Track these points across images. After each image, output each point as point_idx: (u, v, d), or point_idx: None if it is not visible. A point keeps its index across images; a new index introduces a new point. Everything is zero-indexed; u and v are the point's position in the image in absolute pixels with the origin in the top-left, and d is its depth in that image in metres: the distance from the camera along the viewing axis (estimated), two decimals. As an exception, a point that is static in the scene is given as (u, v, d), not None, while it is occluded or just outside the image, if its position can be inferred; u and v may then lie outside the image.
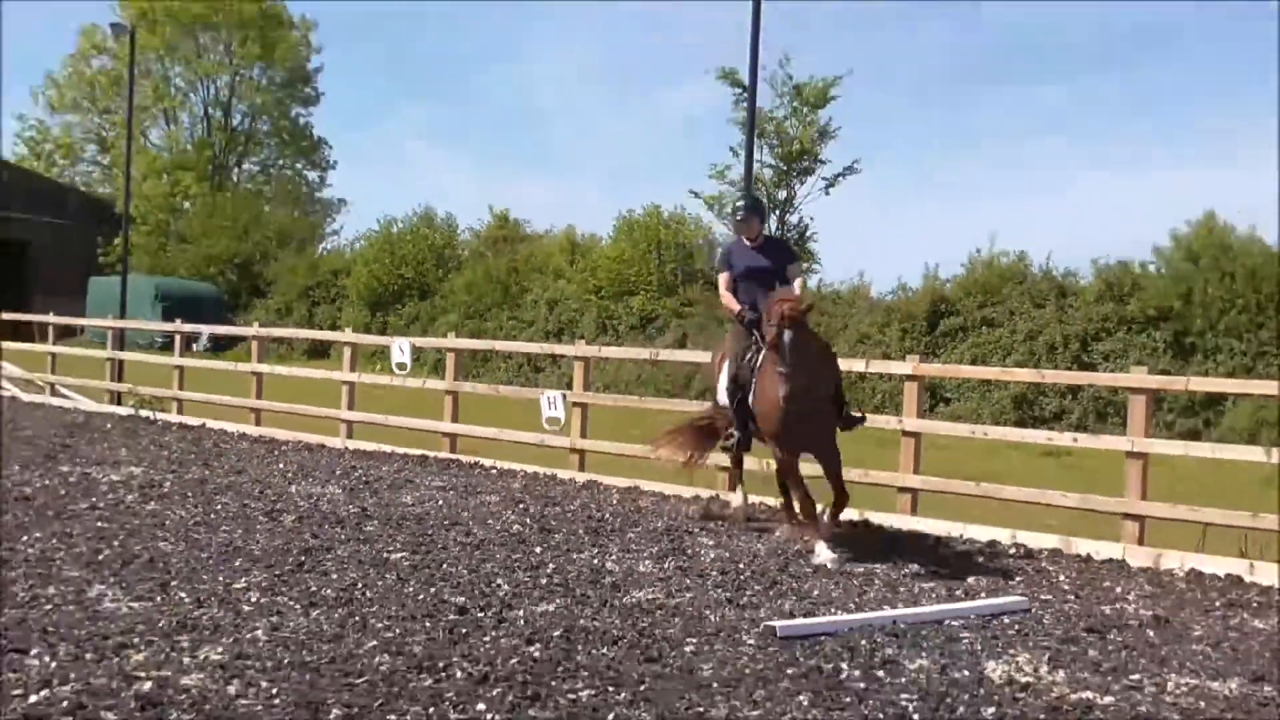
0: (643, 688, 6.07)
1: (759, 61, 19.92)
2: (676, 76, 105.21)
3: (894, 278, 45.31)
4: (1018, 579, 9.43)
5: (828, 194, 41.39)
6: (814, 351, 9.99)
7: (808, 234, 42.42)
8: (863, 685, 6.32)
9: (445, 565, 8.92)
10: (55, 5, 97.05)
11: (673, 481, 13.37)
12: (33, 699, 5.40)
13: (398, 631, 6.93)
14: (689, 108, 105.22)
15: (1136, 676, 6.68)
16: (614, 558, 9.58)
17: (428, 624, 7.16)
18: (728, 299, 11.18)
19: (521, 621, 7.35)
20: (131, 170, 36.36)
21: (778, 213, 41.52)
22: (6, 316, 28.20)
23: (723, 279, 11.24)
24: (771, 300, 10.06)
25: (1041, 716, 5.88)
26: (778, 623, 7.46)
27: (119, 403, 22.46)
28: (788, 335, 9.56)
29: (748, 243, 11.07)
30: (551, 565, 9.12)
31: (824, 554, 9.63)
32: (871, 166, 65.89)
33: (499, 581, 8.45)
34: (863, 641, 7.19)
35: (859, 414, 10.95)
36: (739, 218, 11.28)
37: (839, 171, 41.01)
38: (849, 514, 11.22)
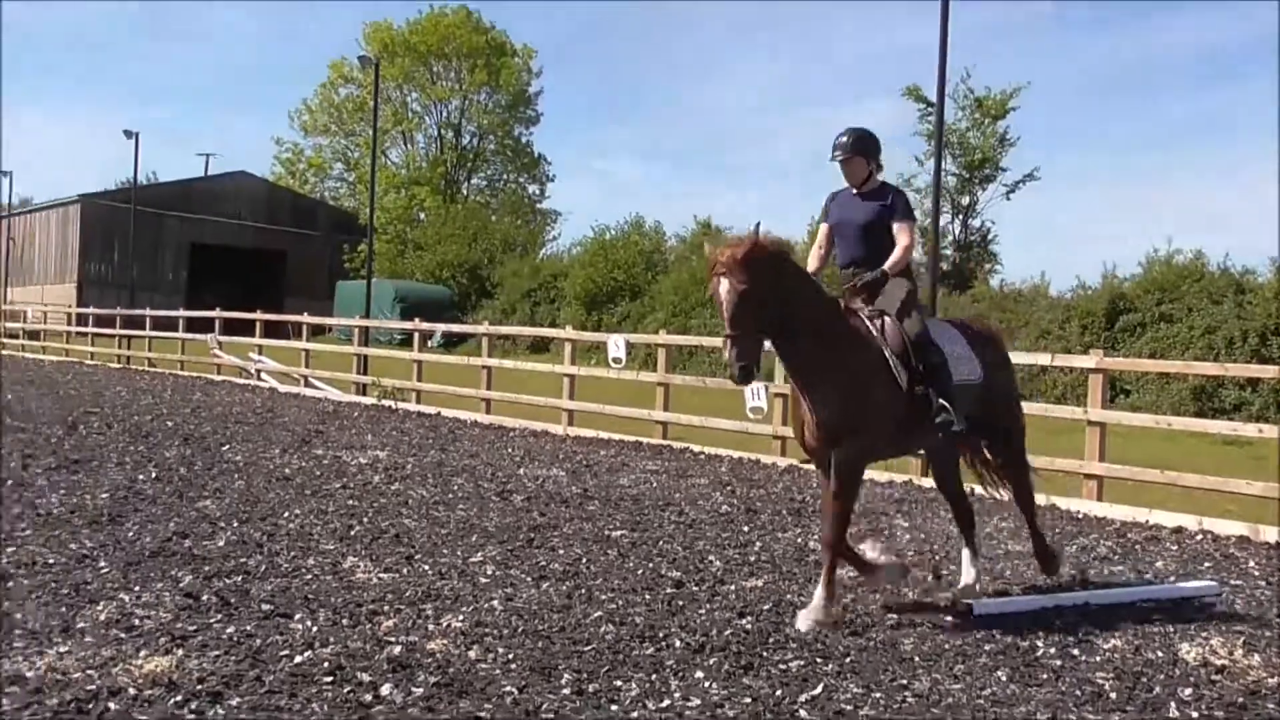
0: (848, 660, 5.96)
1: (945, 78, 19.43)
2: (862, 92, 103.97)
3: (1073, 277, 44.22)
4: (1206, 564, 9.00)
5: (1008, 199, 40.72)
6: (789, 305, 6.75)
7: (990, 237, 41.72)
8: (1059, 663, 6.10)
9: (661, 542, 8.89)
10: (309, 43, 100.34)
11: (878, 468, 13.16)
12: (298, 659, 5.52)
13: (620, 603, 6.91)
14: (875, 121, 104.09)
15: (1335, 662, 6.29)
16: (816, 537, 9.40)
17: (647, 596, 7.13)
18: (810, 259, 7.72)
19: (733, 595, 7.28)
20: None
21: (960, 218, 40.90)
22: (266, 317, 29.21)
23: (820, 233, 8.01)
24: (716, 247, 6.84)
25: (1240, 699, 5.57)
26: (974, 601, 7.24)
27: (364, 393, 23.03)
28: (724, 287, 6.57)
29: (854, 191, 7.70)
30: (759, 544, 9.03)
31: (801, 617, 6.70)
32: (1051, 171, 64.46)
33: (711, 558, 8.39)
34: (1056, 620, 6.96)
35: (954, 423, 7.14)
36: (837, 156, 7.61)
37: (1019, 179, 40.33)
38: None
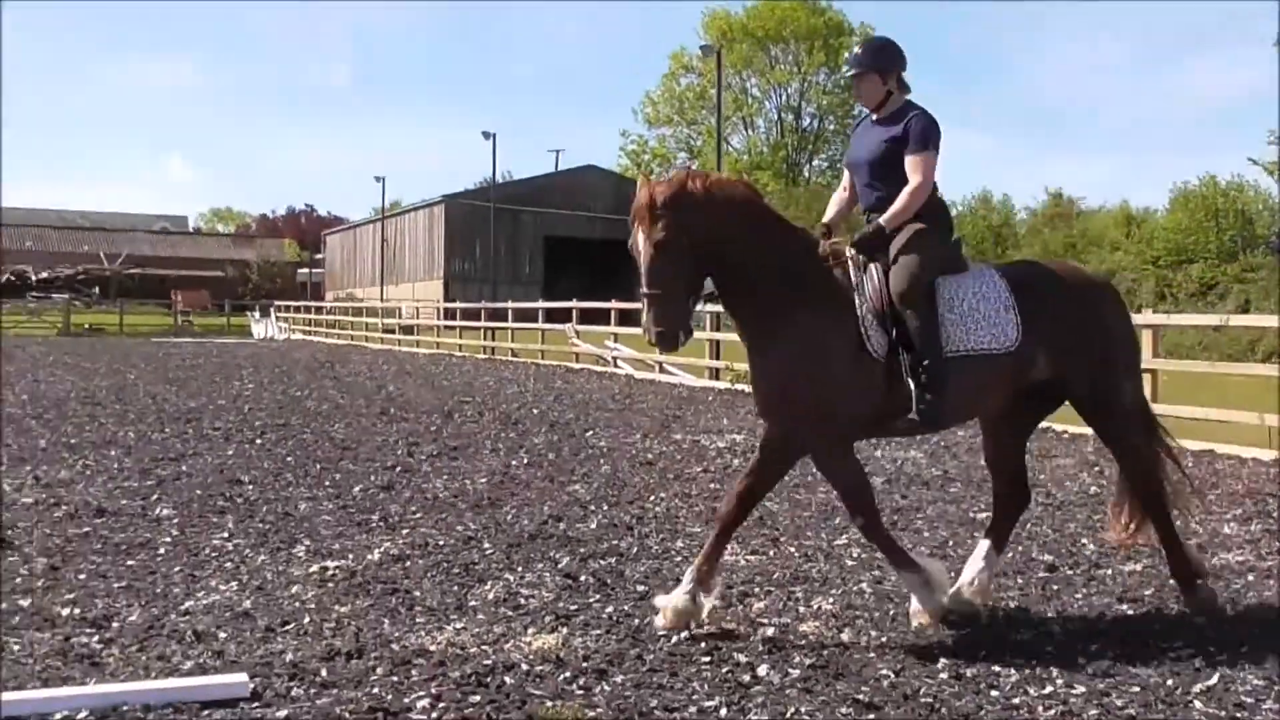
0: (1244, 649, 5.60)
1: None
2: (1218, 46, 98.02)
3: None
4: None
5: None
6: (739, 253, 5.74)
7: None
8: None
9: (1030, 525, 8.60)
10: (650, 36, 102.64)
11: (1250, 444, 12.39)
12: (675, 639, 5.65)
13: (991, 587, 6.75)
14: (1241, 74, 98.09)
15: None
16: (1195, 519, 8.91)
17: (1019, 580, 6.95)
18: (830, 205, 6.91)
19: (1110, 580, 7.02)
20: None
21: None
22: (620, 306, 30.01)
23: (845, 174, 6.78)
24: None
25: None
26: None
27: (717, 378, 23.34)
28: (642, 241, 5.64)
29: (873, 118, 6.33)
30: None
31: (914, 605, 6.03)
32: None
33: (1084, 541, 8.10)
34: None
35: (929, 411, 5.80)
36: (847, 71, 6.35)
37: None
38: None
